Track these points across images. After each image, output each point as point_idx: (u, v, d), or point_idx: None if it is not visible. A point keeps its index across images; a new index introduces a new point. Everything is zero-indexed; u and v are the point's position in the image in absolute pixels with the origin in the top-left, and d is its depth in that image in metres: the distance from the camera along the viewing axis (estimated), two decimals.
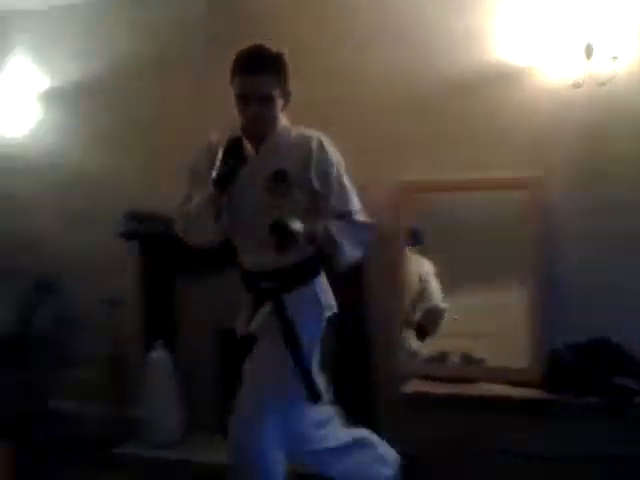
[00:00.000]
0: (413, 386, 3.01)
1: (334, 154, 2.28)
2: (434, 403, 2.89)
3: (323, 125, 3.33)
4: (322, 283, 2.39)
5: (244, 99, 2.14)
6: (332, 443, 2.46)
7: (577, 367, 2.78)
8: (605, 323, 2.86)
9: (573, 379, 2.76)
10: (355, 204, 2.29)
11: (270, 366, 2.26)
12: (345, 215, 2.26)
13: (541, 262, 2.99)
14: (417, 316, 3.26)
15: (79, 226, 3.88)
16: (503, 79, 3.08)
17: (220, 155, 2.10)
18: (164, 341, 3.52)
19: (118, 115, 3.82)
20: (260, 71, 2.11)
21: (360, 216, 2.30)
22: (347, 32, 3.36)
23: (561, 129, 3.01)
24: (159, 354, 3.51)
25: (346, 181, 2.29)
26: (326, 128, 3.34)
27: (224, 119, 2.31)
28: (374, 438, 2.63)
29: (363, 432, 2.62)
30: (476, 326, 3.08)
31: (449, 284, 3.19)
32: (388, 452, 2.64)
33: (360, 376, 3.33)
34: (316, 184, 2.21)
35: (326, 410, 2.49)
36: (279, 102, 2.20)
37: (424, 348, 3.20)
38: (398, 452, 2.69)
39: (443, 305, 3.22)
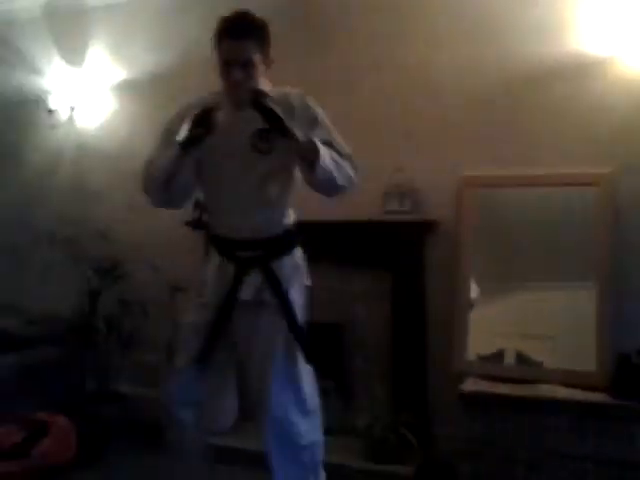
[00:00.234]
0: (472, 385, 2.94)
1: (317, 106, 2.27)
2: (494, 403, 2.82)
3: (390, 116, 3.37)
4: (300, 252, 2.38)
5: (227, 64, 2.16)
6: (304, 441, 2.30)
7: None
8: None
9: None
10: (345, 147, 2.24)
11: (280, 335, 2.26)
12: (334, 147, 2.19)
13: (611, 262, 2.89)
14: None
15: (147, 214, 3.95)
16: (581, 70, 2.99)
17: (190, 120, 2.12)
18: None
19: None
20: (245, 37, 2.14)
21: (351, 156, 2.24)
22: (418, 25, 3.35)
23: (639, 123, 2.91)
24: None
25: (333, 129, 2.25)
26: (393, 119, 3.38)
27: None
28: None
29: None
30: (539, 327, 2.98)
31: (511, 283, 3.09)
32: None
33: (417, 373, 3.30)
34: (301, 135, 2.12)
35: (314, 402, 2.38)
36: (261, 68, 2.20)
37: (484, 347, 3.11)
38: (455, 449, 2.63)
39: None
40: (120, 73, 4.14)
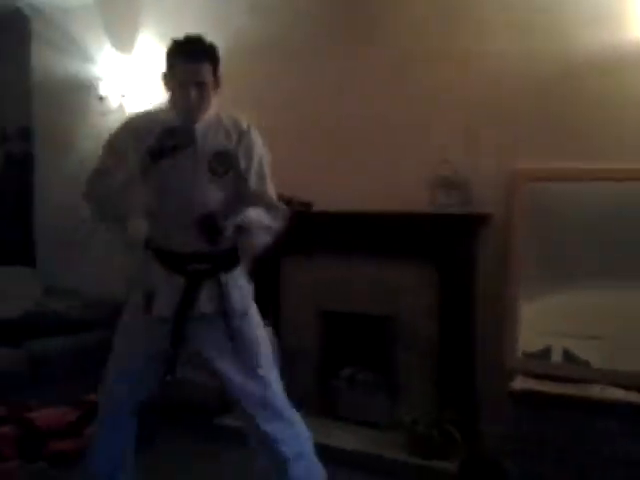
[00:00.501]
0: (522, 383, 2.88)
1: (260, 143, 2.42)
2: (545, 402, 2.76)
3: (440, 107, 3.31)
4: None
5: (182, 86, 2.27)
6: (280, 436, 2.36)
7: None
8: None
9: None
10: (271, 190, 2.42)
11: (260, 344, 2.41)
12: (260, 198, 2.37)
13: None
14: None
15: None
16: None
17: (162, 132, 2.26)
18: (269, 322, 3.56)
19: (236, 94, 3.88)
20: (201, 60, 2.28)
21: (275, 203, 2.41)
22: (472, 14, 3.27)
23: None
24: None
25: (266, 169, 2.41)
26: (443, 110, 3.32)
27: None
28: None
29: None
30: (588, 326, 2.91)
31: (563, 281, 3.00)
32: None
33: (464, 368, 3.26)
34: (242, 163, 2.34)
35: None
36: (213, 89, 2.34)
37: (529, 344, 3.04)
38: (502, 448, 2.59)
39: None
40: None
